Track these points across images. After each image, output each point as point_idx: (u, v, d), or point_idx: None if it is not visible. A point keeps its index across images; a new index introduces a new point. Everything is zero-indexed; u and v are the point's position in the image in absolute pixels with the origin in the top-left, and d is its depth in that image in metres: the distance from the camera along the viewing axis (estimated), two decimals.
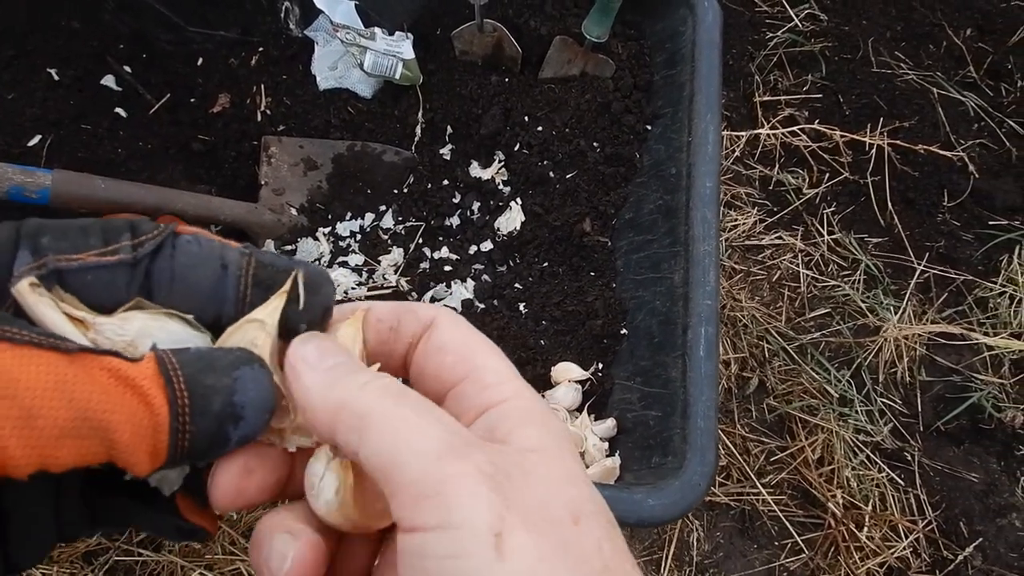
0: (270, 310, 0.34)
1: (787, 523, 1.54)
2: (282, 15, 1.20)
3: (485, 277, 1.11)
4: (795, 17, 1.90)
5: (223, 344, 0.34)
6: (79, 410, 0.28)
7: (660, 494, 0.84)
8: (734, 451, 1.58)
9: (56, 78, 1.21)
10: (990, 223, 1.77)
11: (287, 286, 0.34)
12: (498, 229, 1.13)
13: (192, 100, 1.23)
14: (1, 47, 1.18)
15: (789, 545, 1.53)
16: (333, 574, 0.36)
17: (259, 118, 1.21)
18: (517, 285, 1.10)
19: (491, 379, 0.35)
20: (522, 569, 0.28)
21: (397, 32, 1.14)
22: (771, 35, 1.88)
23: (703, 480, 0.85)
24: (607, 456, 0.96)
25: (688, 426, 0.88)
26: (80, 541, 1.30)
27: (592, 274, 1.08)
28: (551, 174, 1.11)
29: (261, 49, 1.23)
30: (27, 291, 0.30)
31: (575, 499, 0.31)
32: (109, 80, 1.23)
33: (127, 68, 1.23)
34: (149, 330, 0.32)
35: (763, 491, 1.55)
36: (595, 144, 1.11)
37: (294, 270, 0.35)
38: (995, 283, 1.71)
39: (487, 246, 1.13)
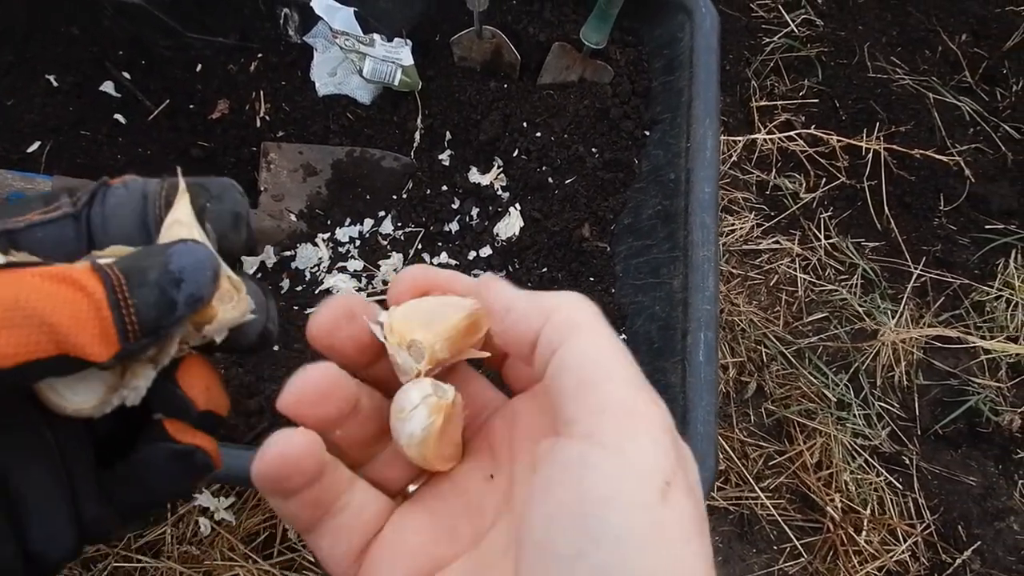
0: (182, 209, 0.35)
1: (786, 527, 1.54)
2: (281, 21, 1.21)
3: None
4: (791, 22, 1.90)
5: None
6: (7, 302, 0.28)
7: None
8: (732, 455, 1.58)
9: (55, 84, 1.21)
10: (986, 227, 1.77)
11: (182, 185, 0.36)
12: (497, 235, 1.13)
13: (191, 106, 1.24)
14: (2, 54, 1.19)
15: (788, 549, 1.53)
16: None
17: (258, 124, 1.21)
18: None
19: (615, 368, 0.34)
20: (679, 524, 0.29)
21: (396, 38, 1.14)
22: (767, 40, 1.89)
23: (703, 486, 0.85)
24: None
25: (688, 432, 0.88)
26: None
27: (591, 279, 1.09)
28: (550, 180, 1.11)
29: (260, 55, 1.23)
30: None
31: (672, 469, 0.31)
32: (108, 86, 1.23)
33: (126, 74, 1.23)
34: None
35: (762, 495, 1.55)
36: (594, 150, 1.11)
37: (203, 183, 0.37)
38: (991, 287, 1.72)
39: (486, 252, 1.13)
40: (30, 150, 1.17)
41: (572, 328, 0.33)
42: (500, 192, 1.15)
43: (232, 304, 0.34)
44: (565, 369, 0.32)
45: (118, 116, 1.22)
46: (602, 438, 0.29)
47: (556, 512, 0.30)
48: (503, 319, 0.36)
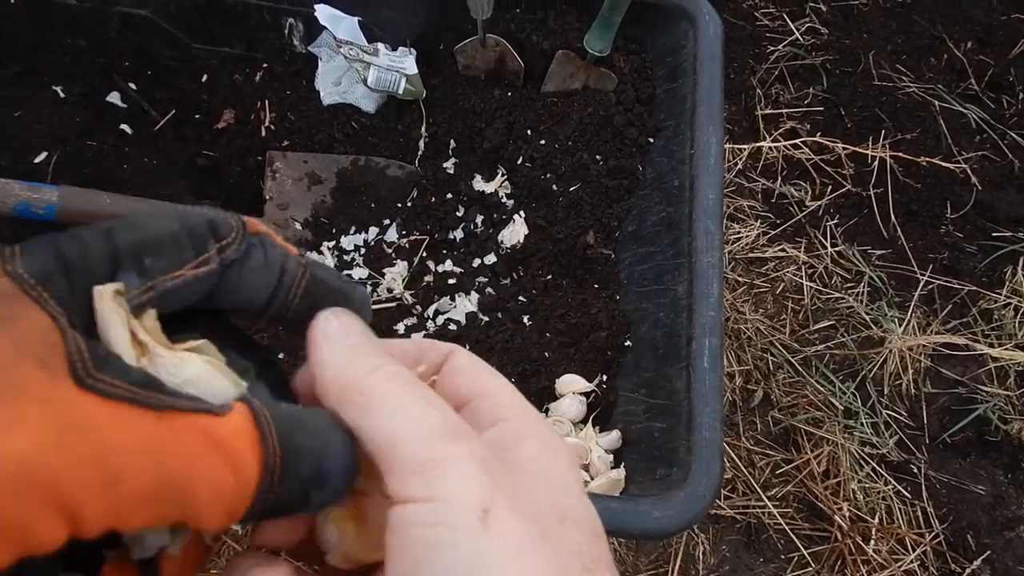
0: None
1: (793, 536, 1.54)
2: (286, 32, 1.21)
3: (489, 290, 1.12)
4: (796, 31, 1.91)
5: None
6: (165, 475, 0.26)
7: (665, 506, 0.83)
8: (739, 464, 1.58)
9: (62, 95, 1.21)
10: (993, 235, 1.77)
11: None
12: (502, 242, 1.13)
13: (197, 116, 1.24)
14: (7, 64, 1.19)
15: (795, 558, 1.53)
16: None
17: (263, 133, 1.22)
18: (521, 298, 1.10)
19: (501, 399, 0.36)
20: (506, 543, 0.29)
21: (400, 47, 1.15)
22: (772, 49, 1.89)
23: (708, 492, 0.85)
24: (612, 468, 0.96)
25: (693, 438, 0.87)
26: None
27: (596, 286, 1.08)
28: (554, 187, 1.11)
29: (265, 65, 1.24)
30: (109, 297, 0.29)
31: (563, 504, 0.32)
32: (114, 97, 1.23)
33: (132, 85, 1.24)
34: (199, 382, 0.31)
35: (769, 504, 1.55)
36: (598, 157, 1.11)
37: (343, 291, 0.36)
38: (999, 295, 1.71)
39: (491, 259, 1.13)
40: (37, 160, 1.17)
41: (365, 402, 0.32)
42: (504, 199, 1.15)
43: None
44: (372, 449, 0.32)
45: (124, 126, 1.22)
46: (413, 495, 0.29)
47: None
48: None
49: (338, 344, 0.34)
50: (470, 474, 0.30)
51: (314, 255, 1.16)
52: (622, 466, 0.96)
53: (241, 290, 0.34)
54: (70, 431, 0.25)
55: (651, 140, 1.12)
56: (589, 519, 0.33)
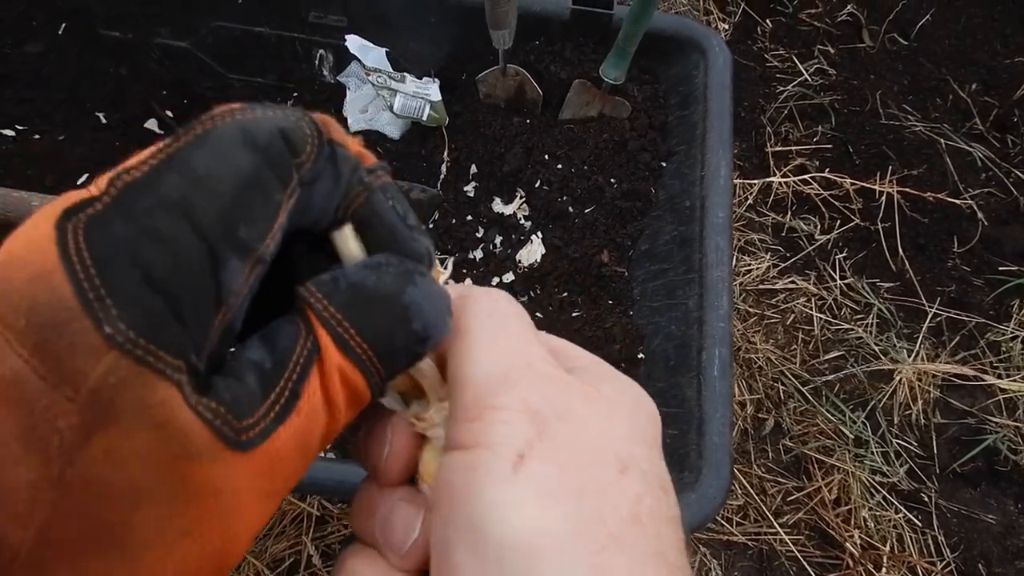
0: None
1: (805, 564, 1.55)
2: (316, 63, 1.28)
3: None
4: (804, 72, 1.97)
5: None
6: (311, 455, 0.29)
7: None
8: (751, 491, 1.60)
9: (104, 121, 1.28)
10: (1000, 269, 1.80)
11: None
12: (520, 261, 1.18)
13: None
14: (54, 91, 1.26)
15: None
16: None
17: None
18: (538, 315, 1.14)
19: (575, 354, 0.36)
20: (533, 490, 0.28)
21: (425, 76, 1.21)
22: (781, 89, 1.95)
23: (719, 493, 0.88)
24: None
25: (703, 442, 0.91)
26: None
27: (610, 302, 1.13)
28: (570, 209, 1.16)
29: (296, 94, 1.30)
30: (350, 237, 0.31)
31: (631, 453, 0.31)
32: (152, 124, 1.30)
33: (169, 113, 1.30)
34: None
35: (780, 531, 1.56)
36: (612, 180, 1.16)
37: (397, 237, 0.32)
38: (1007, 327, 1.74)
39: (509, 278, 1.18)
40: (79, 182, 1.24)
41: (453, 341, 0.33)
42: (523, 221, 1.20)
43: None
44: (450, 389, 0.32)
45: None
46: (461, 442, 0.30)
47: (437, 522, 0.30)
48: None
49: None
50: (514, 422, 0.29)
51: None
52: None
53: (305, 215, 0.30)
54: (253, 502, 0.27)
55: (663, 164, 1.17)
56: (656, 470, 0.31)
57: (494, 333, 0.32)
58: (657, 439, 0.34)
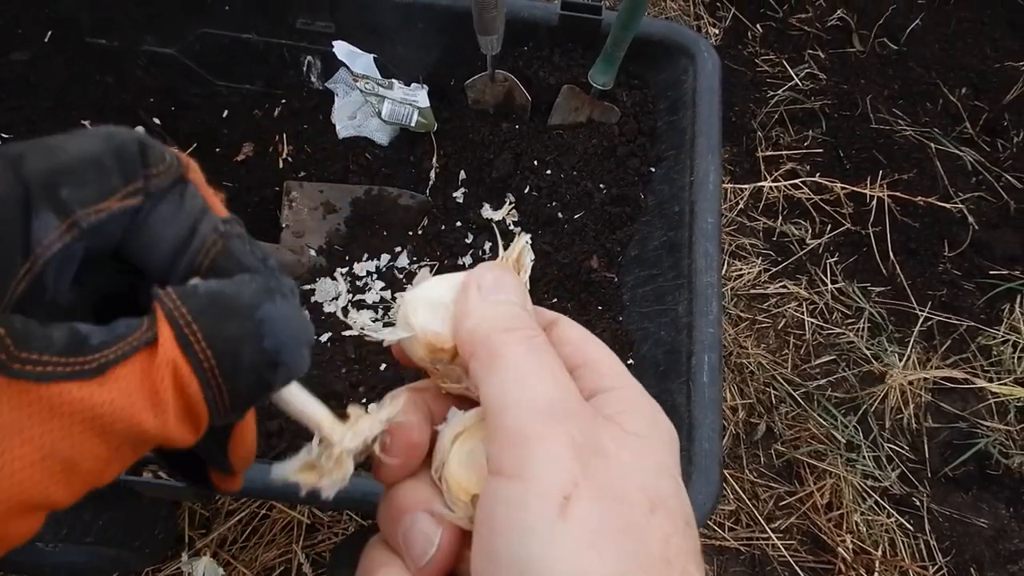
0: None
1: (797, 568, 1.55)
2: (304, 69, 1.27)
3: None
4: (795, 76, 1.97)
5: None
6: (118, 438, 0.26)
7: None
8: (743, 496, 1.59)
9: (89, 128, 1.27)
10: (991, 273, 1.81)
11: None
12: None
13: (218, 149, 1.30)
14: (41, 99, 1.25)
15: None
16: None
17: (281, 165, 1.27)
18: None
19: (606, 370, 0.37)
20: (580, 534, 0.28)
21: (413, 82, 1.20)
22: (772, 93, 1.95)
23: (709, 499, 0.88)
24: None
25: (693, 448, 0.90)
26: None
27: (600, 308, 1.12)
28: (560, 215, 1.16)
29: (284, 101, 1.30)
30: (296, 392, 0.33)
31: (659, 492, 0.31)
32: (139, 131, 1.29)
33: (156, 120, 1.30)
34: (375, 429, 0.35)
35: (773, 536, 1.56)
36: (601, 186, 1.16)
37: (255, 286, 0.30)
38: (998, 331, 1.74)
39: None
40: None
41: (488, 362, 0.34)
42: (512, 227, 1.19)
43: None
44: (485, 408, 0.33)
45: None
46: (505, 469, 0.30)
47: (479, 552, 0.31)
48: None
49: (487, 297, 0.36)
50: (559, 456, 0.30)
51: (328, 280, 1.20)
52: None
53: (148, 233, 0.30)
54: (14, 436, 0.24)
55: (652, 169, 1.17)
56: (681, 506, 0.32)
57: (539, 364, 0.33)
58: (678, 469, 0.35)
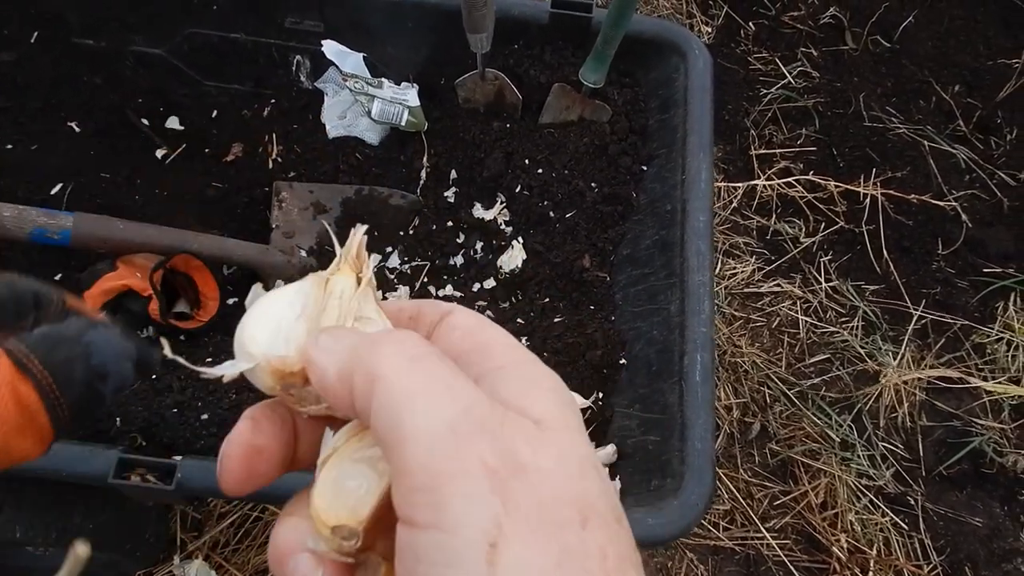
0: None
1: (792, 568, 1.54)
2: (294, 69, 1.26)
3: (488, 313, 1.15)
4: (788, 75, 1.96)
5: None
6: None
7: (659, 514, 0.85)
8: (738, 495, 1.59)
9: (77, 130, 1.26)
10: (984, 271, 1.80)
11: None
12: (500, 267, 1.17)
13: (207, 149, 1.29)
14: (29, 100, 1.24)
15: None
16: None
17: (271, 165, 1.26)
18: (519, 320, 1.13)
19: (497, 349, 0.33)
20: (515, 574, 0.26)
21: (403, 82, 1.20)
22: (765, 92, 1.95)
23: (701, 500, 0.87)
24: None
25: (686, 448, 0.90)
26: None
27: (592, 308, 1.12)
28: (551, 214, 1.15)
29: (273, 101, 1.29)
30: None
31: (585, 495, 0.29)
32: (128, 132, 1.28)
33: (146, 121, 1.29)
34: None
35: (768, 536, 1.55)
36: (593, 185, 1.15)
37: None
38: (992, 329, 1.74)
39: (490, 283, 1.17)
40: (52, 192, 1.22)
41: (368, 388, 0.30)
42: (503, 226, 1.19)
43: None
44: (379, 443, 0.30)
45: (137, 159, 1.27)
46: (418, 519, 0.27)
47: None
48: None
49: (332, 350, 0.32)
50: (475, 495, 0.26)
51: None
52: (617, 479, 0.98)
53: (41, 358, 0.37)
54: None
55: (644, 168, 1.16)
56: (608, 504, 0.29)
57: (425, 380, 0.29)
58: (591, 448, 0.31)
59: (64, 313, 0.37)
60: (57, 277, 1.18)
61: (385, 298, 1.17)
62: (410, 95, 1.17)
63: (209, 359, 1.08)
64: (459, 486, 0.26)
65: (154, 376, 1.00)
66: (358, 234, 0.35)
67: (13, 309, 0.34)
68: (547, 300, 1.13)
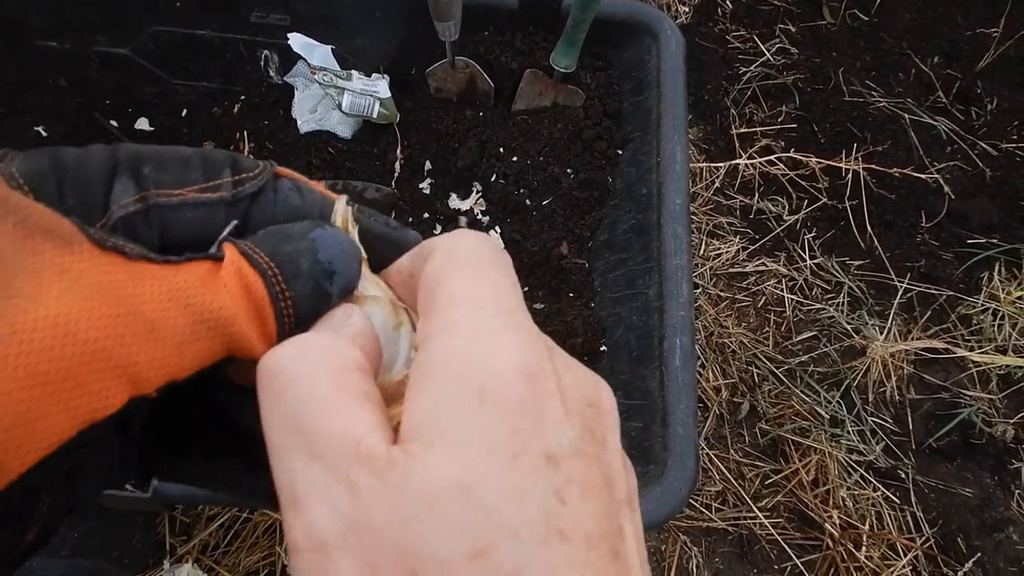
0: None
1: (785, 546, 1.54)
2: (262, 64, 1.24)
3: None
4: (767, 52, 1.95)
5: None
6: (195, 314, 0.28)
7: (643, 500, 0.85)
8: (729, 476, 1.59)
9: (44, 134, 1.24)
10: (968, 242, 1.80)
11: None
12: None
13: None
14: None
15: (788, 568, 1.53)
16: None
17: None
18: None
19: (441, 302, 0.29)
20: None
21: (373, 73, 1.18)
22: (744, 70, 1.94)
23: (685, 485, 0.86)
24: None
25: (668, 434, 0.89)
26: None
27: (571, 295, 1.11)
28: (528, 202, 1.14)
29: (243, 97, 1.27)
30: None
31: (548, 444, 0.25)
32: (95, 135, 1.26)
33: (114, 122, 1.27)
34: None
35: (760, 515, 1.55)
36: (569, 171, 1.14)
37: (390, 237, 0.35)
38: (977, 300, 1.74)
39: None
40: None
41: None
42: (480, 216, 1.17)
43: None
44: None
45: None
46: None
47: None
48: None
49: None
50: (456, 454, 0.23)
51: None
52: None
53: (252, 216, 0.33)
54: (99, 293, 0.26)
55: (619, 152, 1.15)
56: (513, 554, 0.22)
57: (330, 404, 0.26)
58: (506, 455, 0.25)
59: (273, 180, 0.33)
60: None
61: None
62: (381, 86, 1.15)
63: None
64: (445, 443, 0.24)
65: None
66: (340, 204, 0.34)
67: (199, 167, 0.31)
68: (526, 289, 1.12)
